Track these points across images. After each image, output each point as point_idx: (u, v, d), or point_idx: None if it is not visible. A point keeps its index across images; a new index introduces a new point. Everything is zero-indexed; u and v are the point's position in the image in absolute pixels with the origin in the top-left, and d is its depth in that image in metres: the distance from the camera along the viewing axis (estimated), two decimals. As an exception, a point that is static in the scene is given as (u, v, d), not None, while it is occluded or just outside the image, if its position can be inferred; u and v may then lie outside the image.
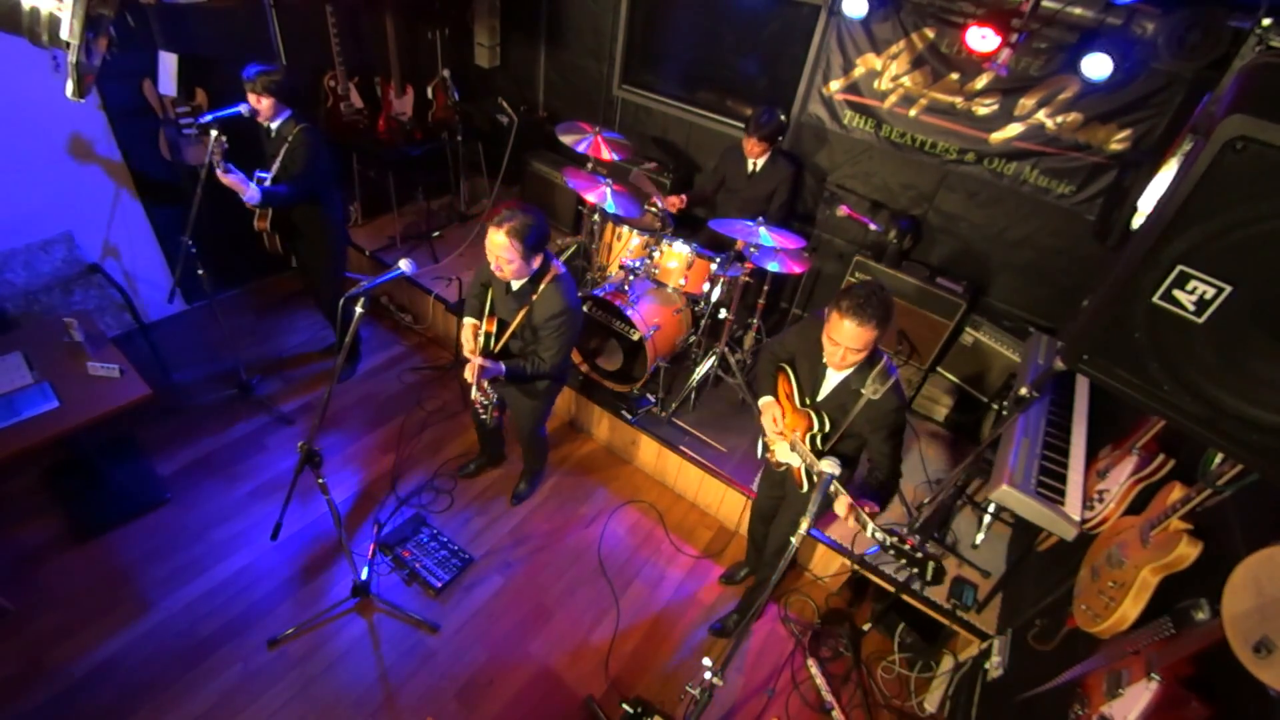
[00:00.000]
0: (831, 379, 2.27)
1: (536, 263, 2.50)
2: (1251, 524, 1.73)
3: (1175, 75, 2.90)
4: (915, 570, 1.84)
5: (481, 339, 2.68)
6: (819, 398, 2.31)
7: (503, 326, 2.70)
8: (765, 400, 2.46)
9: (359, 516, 3.28)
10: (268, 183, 3.13)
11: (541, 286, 2.55)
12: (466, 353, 2.70)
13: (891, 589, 2.96)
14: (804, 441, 2.30)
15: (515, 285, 2.58)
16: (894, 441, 2.23)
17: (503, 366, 2.61)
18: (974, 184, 3.68)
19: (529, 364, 2.66)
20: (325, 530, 3.15)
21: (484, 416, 2.83)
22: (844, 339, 2.02)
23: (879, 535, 1.89)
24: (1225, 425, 1.25)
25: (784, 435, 2.39)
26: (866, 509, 2.00)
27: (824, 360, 2.21)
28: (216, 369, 3.88)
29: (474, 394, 2.63)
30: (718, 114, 4.44)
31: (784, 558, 1.79)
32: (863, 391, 2.10)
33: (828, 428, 2.28)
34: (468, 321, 2.73)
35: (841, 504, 2.02)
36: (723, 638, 3.01)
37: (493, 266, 2.46)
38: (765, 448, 2.61)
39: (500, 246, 2.36)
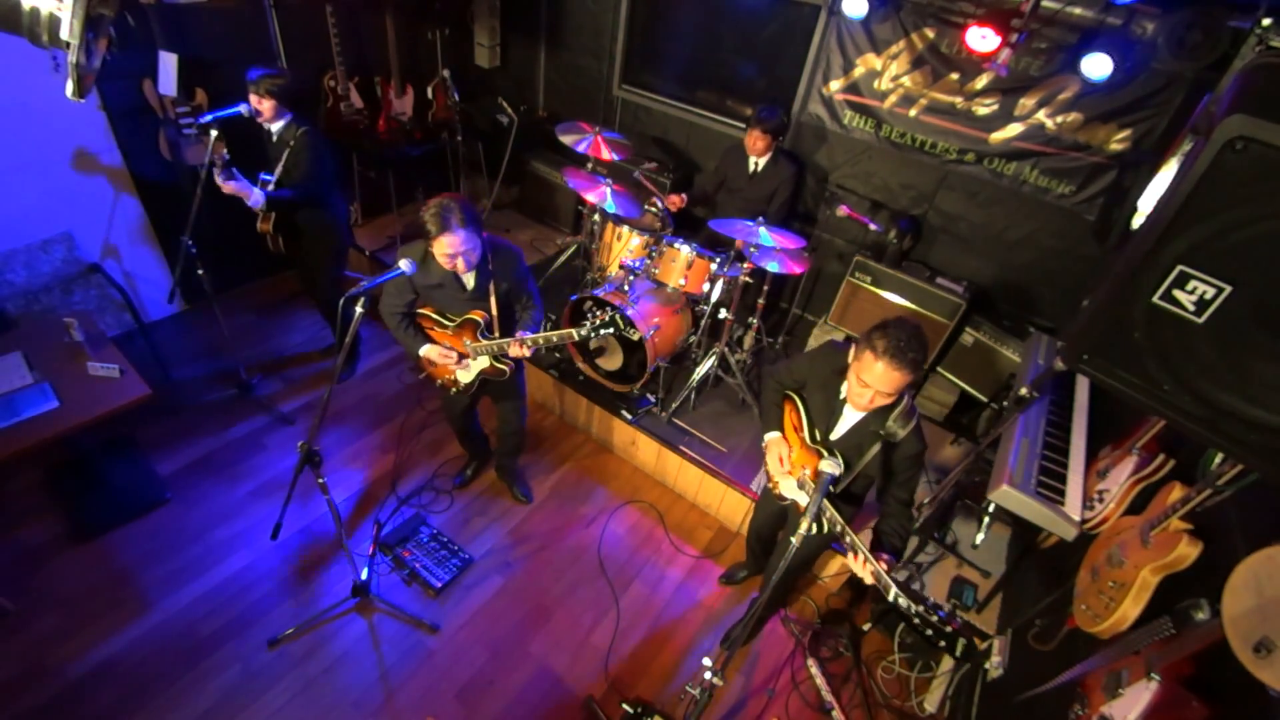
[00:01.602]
0: (849, 418, 2.13)
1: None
2: (1251, 524, 1.73)
3: (1175, 75, 2.90)
4: (943, 644, 1.68)
5: (480, 336, 2.59)
6: (833, 436, 2.16)
7: (488, 317, 2.62)
8: (772, 437, 2.31)
9: (359, 516, 3.28)
10: (271, 186, 3.13)
11: (490, 254, 2.49)
12: (455, 368, 2.67)
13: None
14: (814, 480, 2.14)
15: (470, 280, 2.51)
16: (910, 486, 2.10)
17: (534, 328, 2.57)
18: (974, 184, 3.68)
19: (530, 318, 2.64)
20: (325, 530, 3.15)
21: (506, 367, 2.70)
22: (877, 382, 1.86)
23: (903, 602, 1.74)
24: (1225, 425, 1.25)
25: (791, 473, 2.26)
26: (883, 562, 1.88)
27: (841, 397, 2.09)
28: (216, 369, 3.88)
29: (518, 352, 2.50)
30: (718, 114, 4.44)
31: (785, 559, 1.77)
32: (882, 433, 1.98)
33: (841, 469, 2.12)
34: (429, 349, 2.61)
35: (858, 562, 1.89)
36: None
37: (458, 268, 2.36)
38: (768, 476, 2.48)
39: (459, 243, 2.23)
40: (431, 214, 2.20)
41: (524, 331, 2.54)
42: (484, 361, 2.69)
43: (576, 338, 2.41)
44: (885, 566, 1.86)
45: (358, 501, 3.35)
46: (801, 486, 2.21)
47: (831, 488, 2.13)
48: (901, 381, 1.85)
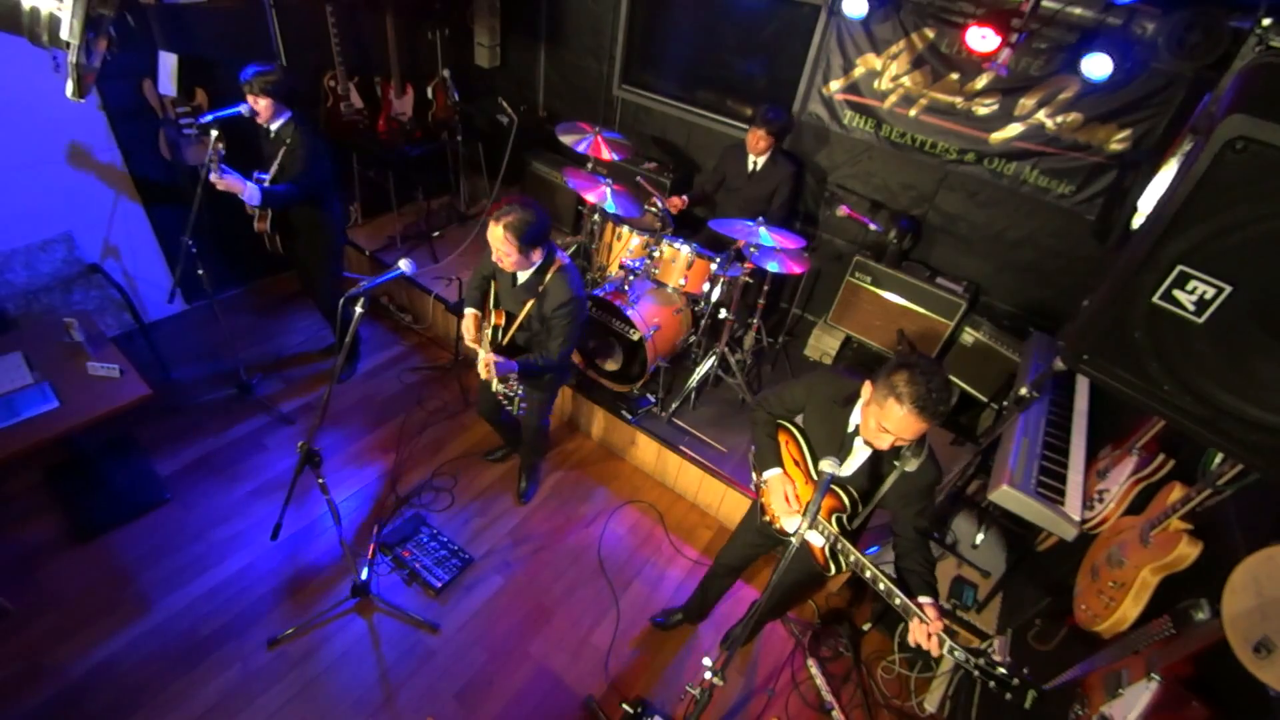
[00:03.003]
0: (860, 452, 2.00)
1: (537, 256, 2.51)
2: (1251, 524, 1.73)
3: (1175, 75, 2.90)
4: (1009, 696, 1.59)
5: (489, 333, 2.69)
6: (844, 472, 2.02)
7: (509, 320, 2.72)
8: (773, 474, 2.15)
9: (359, 516, 3.27)
10: (266, 183, 3.13)
11: (548, 277, 2.57)
12: (469, 342, 2.72)
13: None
14: (829, 521, 2.04)
15: (521, 278, 2.60)
16: (928, 515, 1.98)
17: (515, 364, 2.60)
18: (974, 184, 3.68)
19: (538, 358, 2.67)
20: (325, 530, 3.15)
21: (510, 408, 2.92)
22: (899, 429, 1.72)
23: (959, 655, 1.63)
24: (1225, 425, 1.25)
25: (800, 511, 2.11)
26: (932, 611, 1.73)
27: (849, 429, 1.97)
28: (216, 369, 3.87)
29: (496, 387, 2.69)
30: (718, 114, 4.44)
31: (784, 559, 1.76)
32: (895, 463, 1.89)
33: (859, 505, 2.03)
34: (469, 311, 2.77)
35: (920, 631, 1.71)
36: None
37: (494, 258, 2.51)
38: (763, 510, 2.32)
39: (498, 239, 2.41)
40: (506, 204, 2.37)
41: (504, 360, 2.57)
42: (482, 354, 2.70)
43: (508, 391, 2.72)
44: (934, 612, 1.73)
45: (358, 501, 3.35)
46: (815, 526, 1.99)
47: (849, 525, 2.06)
48: (926, 429, 1.72)
